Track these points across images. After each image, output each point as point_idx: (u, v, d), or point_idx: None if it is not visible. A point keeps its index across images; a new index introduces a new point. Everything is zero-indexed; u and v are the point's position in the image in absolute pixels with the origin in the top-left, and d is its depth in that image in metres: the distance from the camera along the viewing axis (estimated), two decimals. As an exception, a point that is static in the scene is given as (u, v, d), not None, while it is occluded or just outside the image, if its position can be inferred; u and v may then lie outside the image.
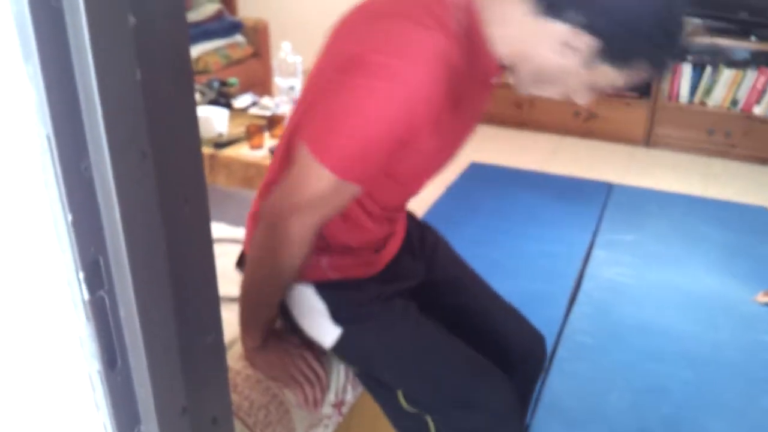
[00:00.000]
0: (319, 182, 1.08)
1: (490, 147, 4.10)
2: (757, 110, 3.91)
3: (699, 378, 2.17)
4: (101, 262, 0.64)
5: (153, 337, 0.68)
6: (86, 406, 0.71)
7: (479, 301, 1.46)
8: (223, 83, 2.82)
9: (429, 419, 1.30)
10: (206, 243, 0.74)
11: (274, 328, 1.33)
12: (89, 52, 0.56)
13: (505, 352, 1.38)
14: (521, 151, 4.05)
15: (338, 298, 1.28)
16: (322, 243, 1.24)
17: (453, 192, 3.39)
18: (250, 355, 1.30)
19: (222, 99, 2.72)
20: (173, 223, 0.68)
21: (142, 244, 0.65)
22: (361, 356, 1.32)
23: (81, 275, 0.63)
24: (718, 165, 3.95)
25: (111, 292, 0.66)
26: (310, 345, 1.34)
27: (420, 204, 3.19)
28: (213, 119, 2.44)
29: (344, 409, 1.46)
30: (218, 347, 0.78)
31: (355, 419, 1.57)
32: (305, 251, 1.16)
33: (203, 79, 2.98)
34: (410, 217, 1.50)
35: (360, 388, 1.50)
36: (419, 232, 1.49)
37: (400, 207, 1.34)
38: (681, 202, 3.42)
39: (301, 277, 1.28)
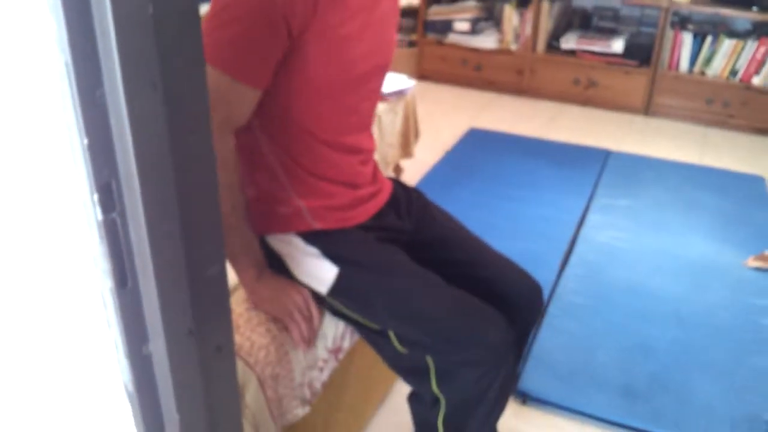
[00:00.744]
0: (210, 81, 1.12)
1: (490, 113, 4.13)
2: (756, 81, 3.92)
3: (687, 338, 2.23)
4: (113, 186, 0.69)
5: (161, 260, 0.73)
6: (98, 323, 0.76)
7: (473, 255, 1.50)
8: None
9: (427, 358, 1.33)
10: (211, 174, 0.78)
11: (264, 261, 1.37)
12: (106, -19, 0.60)
13: (502, 301, 1.41)
14: (520, 118, 4.08)
15: (329, 241, 1.34)
16: (298, 185, 1.30)
17: (451, 157, 3.43)
18: (247, 289, 1.35)
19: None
20: (181, 153, 0.72)
21: (151, 170, 0.69)
22: (358, 297, 1.35)
23: (95, 197, 0.68)
24: (715, 134, 3.98)
25: (122, 215, 0.70)
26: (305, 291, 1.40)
27: (418, 167, 3.23)
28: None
29: (341, 356, 1.52)
30: (221, 278, 0.83)
31: (351, 365, 1.63)
32: (228, 157, 1.23)
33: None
34: (396, 182, 1.55)
35: (356, 336, 1.56)
36: (406, 194, 1.54)
37: (351, 129, 1.35)
38: (678, 169, 3.45)
39: (287, 228, 1.34)
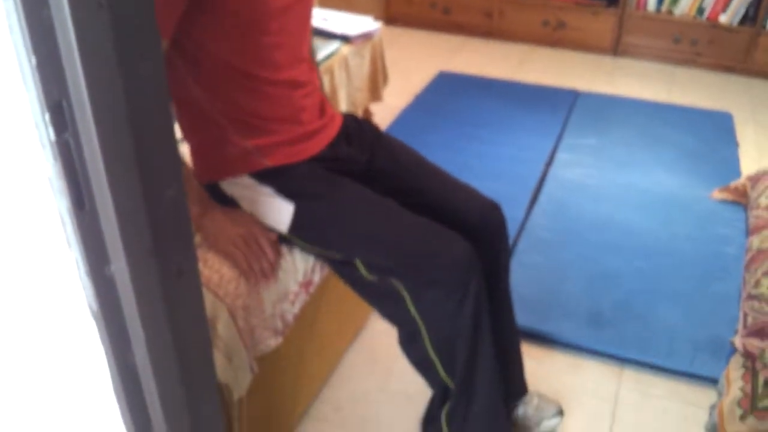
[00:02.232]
0: None
1: (459, 57, 4.12)
2: (723, 18, 3.94)
3: (652, 267, 2.29)
4: (65, 105, 0.70)
5: (117, 181, 0.75)
6: (59, 244, 0.78)
7: (427, 180, 1.52)
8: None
9: (396, 283, 1.36)
10: (163, 97, 0.79)
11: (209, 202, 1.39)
12: None
13: (459, 223, 1.44)
14: (490, 60, 4.08)
15: (281, 178, 1.35)
16: (239, 122, 1.31)
17: (421, 100, 3.43)
18: (195, 225, 1.36)
19: None
20: (131, 76, 0.73)
21: (101, 90, 0.70)
22: (318, 231, 1.37)
23: (47, 116, 0.69)
24: (683, 73, 4.01)
25: (75, 135, 0.72)
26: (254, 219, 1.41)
27: (387, 112, 3.24)
28: None
29: (312, 289, 1.56)
30: (179, 200, 0.85)
31: (323, 299, 1.67)
32: None
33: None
34: (348, 115, 1.56)
35: (326, 270, 1.59)
36: (358, 125, 1.55)
37: (284, 63, 1.34)
38: (645, 108, 3.49)
39: (237, 171, 1.35)
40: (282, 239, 1.42)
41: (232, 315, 1.30)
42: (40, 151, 0.71)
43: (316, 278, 1.55)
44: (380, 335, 2.04)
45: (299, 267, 1.49)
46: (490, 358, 1.44)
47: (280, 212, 1.35)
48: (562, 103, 3.46)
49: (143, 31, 0.74)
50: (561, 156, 2.97)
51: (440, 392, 1.49)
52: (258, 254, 1.36)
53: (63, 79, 0.69)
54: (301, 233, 1.38)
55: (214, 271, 1.31)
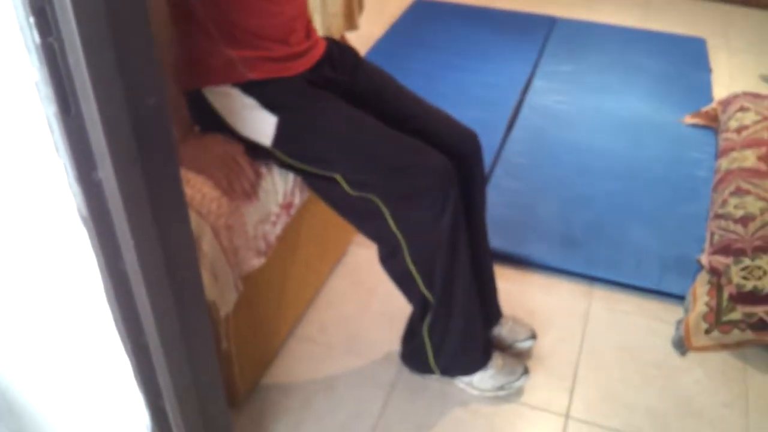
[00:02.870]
0: None
1: (437, -14, 4.06)
2: (700, -57, 3.92)
3: (623, 188, 2.35)
4: (48, 10, 0.71)
5: (101, 87, 0.76)
6: (47, 150, 0.80)
7: (407, 107, 1.55)
8: None
9: (376, 199, 1.39)
10: (142, 11, 0.79)
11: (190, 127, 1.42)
12: None
13: (437, 149, 1.46)
14: (467, -11, 4.03)
15: (265, 91, 1.36)
16: (228, 35, 1.31)
17: (397, 28, 3.40)
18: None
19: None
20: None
21: (83, -6, 0.71)
22: (300, 144, 1.40)
23: (31, 20, 0.70)
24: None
25: (59, 40, 0.73)
26: (234, 141, 1.43)
27: (364, 40, 3.21)
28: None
29: (292, 211, 1.59)
30: (161, 108, 0.86)
31: (304, 222, 1.70)
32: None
33: None
34: (330, 39, 1.57)
35: (306, 193, 1.62)
36: (339, 49, 1.56)
37: None
38: (621, 34, 3.50)
39: (222, 80, 1.35)
40: (261, 156, 1.44)
41: (216, 234, 1.33)
42: (26, 56, 0.72)
43: (296, 200, 1.58)
44: (362, 260, 2.08)
45: (279, 189, 1.51)
46: (467, 272, 1.49)
47: (264, 124, 1.37)
48: (539, 30, 3.45)
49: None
50: (537, 83, 2.98)
51: (420, 307, 1.54)
52: (238, 174, 1.38)
53: (44, -18, 0.69)
54: (284, 146, 1.40)
55: (196, 190, 1.33)
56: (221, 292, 1.35)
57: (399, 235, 1.42)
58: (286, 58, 1.39)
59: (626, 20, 3.69)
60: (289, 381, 1.71)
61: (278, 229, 1.54)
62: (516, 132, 2.64)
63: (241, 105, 1.37)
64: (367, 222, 1.48)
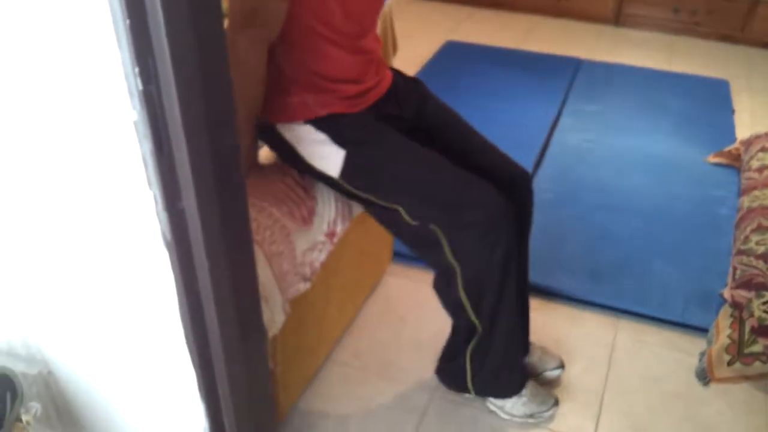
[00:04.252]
0: (237, 3, 1.30)
1: (466, 27, 4.22)
2: (723, -12, 4.04)
3: (648, 226, 2.43)
4: (150, 63, 0.83)
5: (190, 126, 0.88)
6: (141, 183, 0.91)
7: (467, 142, 1.65)
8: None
9: (435, 229, 1.48)
10: (224, 55, 0.91)
11: (257, 161, 1.54)
12: None
13: (496, 182, 1.55)
14: (497, 30, 4.18)
15: (335, 126, 1.47)
16: (304, 79, 1.44)
17: (428, 69, 3.54)
18: None
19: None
20: (203, 39, 0.86)
21: (180, 49, 0.83)
22: (366, 177, 1.49)
23: (136, 70, 0.82)
24: (682, 42, 4.11)
25: (158, 87, 0.85)
26: (293, 172, 1.56)
27: (398, 80, 3.34)
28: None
29: (335, 239, 1.69)
30: (235, 149, 0.98)
31: (345, 250, 1.80)
32: (257, 69, 1.40)
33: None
34: (397, 72, 1.67)
35: (348, 222, 1.73)
36: (405, 83, 1.66)
37: (357, 33, 1.46)
38: (646, 75, 3.60)
39: (296, 118, 1.48)
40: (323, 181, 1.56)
41: (268, 259, 1.44)
42: (128, 100, 0.84)
43: (338, 229, 1.69)
44: (395, 290, 2.18)
45: (324, 217, 1.62)
46: (513, 303, 1.57)
47: (333, 158, 1.48)
48: (565, 71, 3.56)
49: (213, 5, 0.87)
50: (564, 122, 3.09)
51: (466, 331, 1.62)
52: (297, 202, 1.50)
53: (149, 39, 0.82)
54: (350, 178, 1.50)
55: (252, 219, 1.44)
56: (271, 315, 1.45)
57: (454, 265, 1.50)
58: (357, 95, 1.50)
59: (651, 62, 3.79)
60: (326, 402, 1.80)
61: (323, 256, 1.64)
62: (544, 169, 2.73)
63: (312, 140, 1.48)
64: (425, 250, 1.56)
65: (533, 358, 1.84)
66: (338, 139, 1.47)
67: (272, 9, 1.33)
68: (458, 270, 1.51)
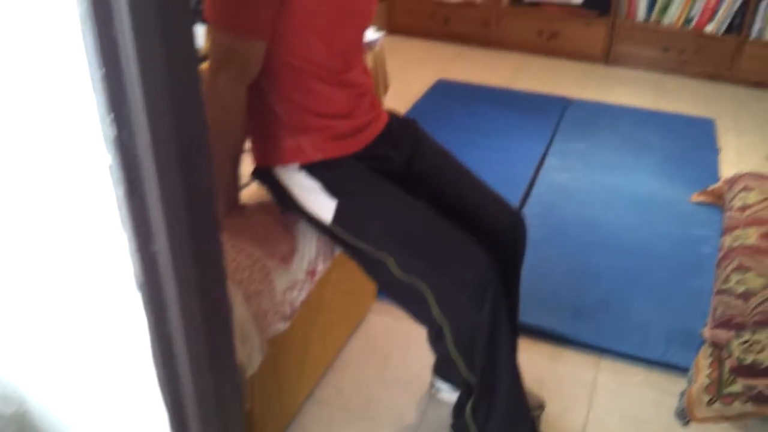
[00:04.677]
0: (216, 43, 1.34)
1: (457, 65, 4.29)
2: (709, 28, 4.11)
3: (631, 264, 2.45)
4: (124, 110, 0.85)
5: (162, 170, 0.90)
6: (114, 225, 0.93)
7: (458, 184, 1.66)
8: (199, 1, 2.95)
9: (423, 285, 1.47)
10: (200, 104, 0.94)
11: (238, 201, 1.56)
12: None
13: (485, 226, 1.59)
14: (487, 69, 4.24)
15: (328, 175, 1.50)
16: (296, 119, 1.46)
17: (419, 107, 3.59)
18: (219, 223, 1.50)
19: (198, 17, 2.86)
20: (178, 88, 0.88)
21: (154, 97, 0.85)
22: (357, 226, 1.51)
23: (110, 116, 0.84)
24: (671, 81, 4.18)
25: (131, 133, 0.87)
26: (274, 211, 1.58)
27: (388, 117, 3.39)
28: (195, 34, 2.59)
29: (316, 278, 1.71)
30: (210, 191, 1.00)
31: (326, 289, 1.82)
32: (237, 108, 1.41)
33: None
34: (392, 114, 1.70)
35: (329, 261, 1.74)
36: (400, 125, 1.68)
37: (342, 68, 1.49)
38: (633, 114, 3.65)
39: (290, 160, 1.50)
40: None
41: (246, 299, 1.45)
42: (102, 146, 0.87)
43: (320, 267, 1.70)
44: (379, 327, 2.19)
45: (305, 256, 1.64)
46: (510, 358, 1.55)
47: (325, 206, 1.50)
48: (553, 110, 3.61)
49: (187, 50, 0.90)
50: (551, 160, 3.13)
51: (465, 388, 1.60)
52: (277, 241, 1.52)
53: (124, 88, 0.84)
54: (343, 226, 1.51)
55: (231, 260, 1.46)
56: (248, 354, 1.46)
57: (442, 321, 1.49)
58: (350, 132, 1.52)
59: (639, 101, 3.85)
60: (307, 441, 1.80)
61: (303, 295, 1.65)
62: (530, 206, 2.76)
63: (305, 186, 1.51)
64: (413, 306, 1.55)
65: None
66: (330, 188, 1.49)
67: (249, 50, 1.36)
68: (446, 328, 1.50)
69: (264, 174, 1.59)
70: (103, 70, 0.81)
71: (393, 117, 1.69)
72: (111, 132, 0.85)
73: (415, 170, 1.65)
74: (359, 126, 1.55)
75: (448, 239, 1.49)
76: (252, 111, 1.51)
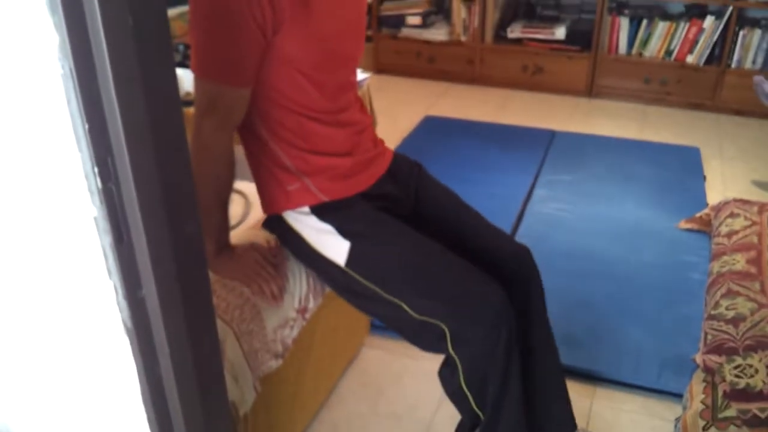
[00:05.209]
0: (200, 90, 1.38)
1: (444, 102, 4.36)
2: (690, 59, 4.20)
3: (621, 292, 2.47)
4: (109, 162, 0.89)
5: (148, 218, 0.93)
6: (101, 273, 0.96)
7: (465, 224, 1.68)
8: (188, 46, 3.02)
9: (439, 323, 1.47)
10: (183, 150, 0.97)
11: (228, 242, 1.58)
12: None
13: (495, 266, 1.60)
14: (473, 104, 4.31)
15: (338, 217, 1.52)
16: (300, 163, 1.49)
17: (408, 143, 3.64)
18: (209, 263, 1.51)
19: (187, 61, 2.92)
20: (161, 140, 0.92)
21: (138, 150, 0.89)
22: (371, 268, 1.51)
23: (95, 169, 0.88)
24: (654, 111, 4.25)
25: (117, 184, 0.90)
26: (263, 250, 1.60)
27: (377, 155, 3.44)
28: (182, 79, 2.65)
29: (308, 315, 1.73)
30: (197, 235, 1.03)
31: (318, 326, 1.84)
32: (223, 153, 1.44)
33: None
34: (397, 153, 1.72)
35: (320, 298, 1.76)
36: (406, 165, 1.71)
37: (340, 107, 1.52)
38: (618, 145, 3.71)
39: (298, 203, 1.53)
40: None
41: (238, 338, 1.47)
42: (88, 198, 0.90)
43: (311, 305, 1.73)
44: (372, 362, 2.20)
45: (295, 294, 1.66)
46: (518, 395, 1.55)
47: (338, 248, 1.52)
48: (539, 143, 3.67)
49: (170, 98, 0.94)
50: (538, 192, 3.17)
51: (469, 419, 1.61)
52: (267, 279, 1.54)
53: (108, 141, 0.87)
54: (357, 268, 1.52)
55: (222, 299, 1.49)
56: (241, 393, 1.48)
57: (455, 358, 1.50)
58: (353, 171, 1.54)
59: (623, 132, 3.92)
60: (304, 481, 1.80)
61: (295, 333, 1.67)
62: (519, 238, 2.79)
63: (317, 229, 1.53)
64: (428, 344, 1.55)
65: None
66: (342, 231, 1.51)
67: (233, 97, 1.40)
68: (458, 364, 1.51)
69: (275, 222, 1.60)
70: (87, 125, 0.84)
71: (398, 156, 1.71)
72: (97, 184, 0.88)
73: (423, 210, 1.66)
74: (363, 163, 1.57)
75: (462, 277, 1.50)
76: (255, 161, 1.54)
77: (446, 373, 1.58)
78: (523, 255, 1.69)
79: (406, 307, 1.49)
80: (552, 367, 1.75)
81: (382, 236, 1.53)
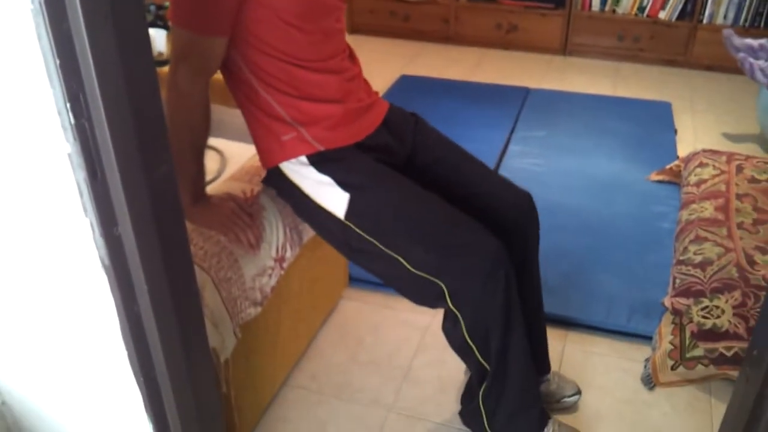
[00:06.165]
0: (175, 37, 1.39)
1: (419, 61, 4.36)
2: (662, 15, 4.23)
3: (595, 242, 2.53)
4: (81, 97, 0.90)
5: (122, 155, 0.94)
6: (77, 211, 0.97)
7: (464, 173, 1.68)
8: (160, 7, 2.99)
9: (433, 276, 1.48)
10: (154, 86, 0.98)
11: (204, 191, 1.59)
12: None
13: (495, 211, 1.62)
14: (448, 63, 4.32)
15: (338, 169, 1.52)
16: (293, 112, 1.50)
17: (384, 102, 3.65)
18: (186, 212, 1.50)
19: (159, 21, 2.90)
20: (131, 74, 0.93)
21: (109, 84, 0.90)
22: (369, 219, 1.52)
23: (68, 105, 0.89)
24: (627, 68, 4.29)
25: (90, 120, 0.92)
26: (239, 200, 1.62)
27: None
28: (154, 39, 2.63)
29: (285, 264, 1.75)
30: (170, 176, 1.05)
31: (295, 275, 1.86)
32: (199, 101, 1.45)
33: (140, 4, 3.13)
34: (393, 106, 1.72)
35: (297, 248, 1.79)
36: (403, 116, 1.71)
37: (327, 55, 1.52)
38: (592, 101, 3.75)
39: (295, 153, 1.53)
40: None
41: (216, 286, 1.49)
42: (61, 133, 0.91)
43: (288, 254, 1.75)
44: (351, 313, 2.24)
45: (272, 243, 1.68)
46: (522, 343, 1.57)
47: (337, 200, 1.52)
48: (514, 100, 3.70)
49: (139, 38, 0.94)
50: (513, 148, 3.20)
51: (478, 373, 1.62)
52: (244, 228, 1.56)
53: (80, 76, 0.88)
54: (356, 220, 1.52)
55: (199, 247, 1.51)
56: (221, 339, 1.51)
57: (455, 311, 1.51)
58: (347, 118, 1.54)
59: (597, 89, 3.95)
60: (284, 425, 1.84)
61: (273, 281, 1.70)
62: (494, 193, 2.83)
63: (316, 180, 1.53)
64: (428, 300, 1.56)
65: (551, 386, 1.86)
66: (341, 183, 1.51)
67: (208, 46, 1.41)
68: (460, 317, 1.52)
69: (274, 176, 1.60)
70: (59, 61, 0.85)
71: (393, 108, 1.70)
72: (70, 120, 0.89)
73: (420, 161, 1.66)
74: (357, 111, 1.57)
75: (459, 228, 1.51)
76: (249, 115, 1.54)
77: (449, 327, 1.58)
78: (524, 204, 1.70)
79: (403, 262, 1.49)
80: (539, 313, 1.79)
81: (380, 188, 1.54)
